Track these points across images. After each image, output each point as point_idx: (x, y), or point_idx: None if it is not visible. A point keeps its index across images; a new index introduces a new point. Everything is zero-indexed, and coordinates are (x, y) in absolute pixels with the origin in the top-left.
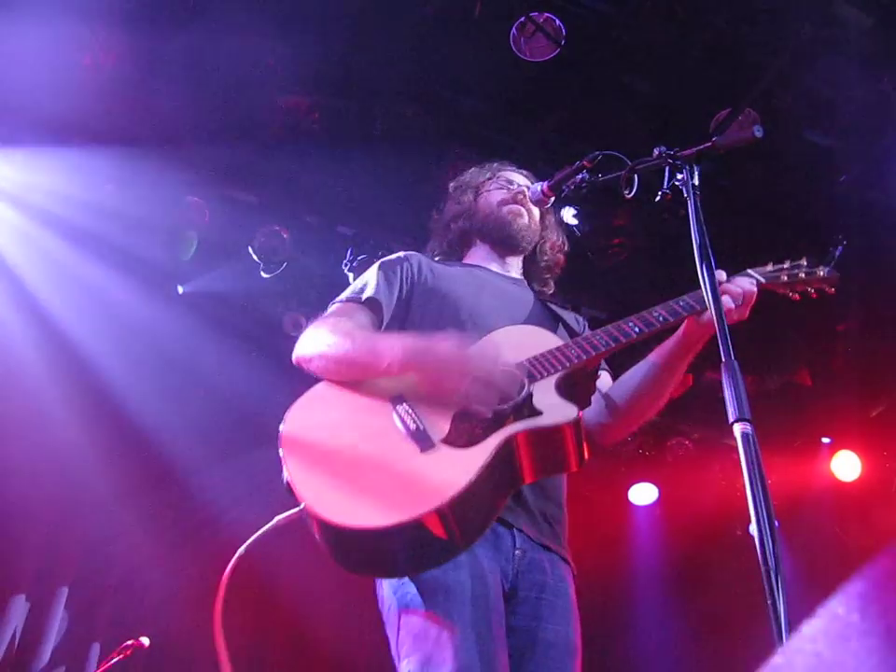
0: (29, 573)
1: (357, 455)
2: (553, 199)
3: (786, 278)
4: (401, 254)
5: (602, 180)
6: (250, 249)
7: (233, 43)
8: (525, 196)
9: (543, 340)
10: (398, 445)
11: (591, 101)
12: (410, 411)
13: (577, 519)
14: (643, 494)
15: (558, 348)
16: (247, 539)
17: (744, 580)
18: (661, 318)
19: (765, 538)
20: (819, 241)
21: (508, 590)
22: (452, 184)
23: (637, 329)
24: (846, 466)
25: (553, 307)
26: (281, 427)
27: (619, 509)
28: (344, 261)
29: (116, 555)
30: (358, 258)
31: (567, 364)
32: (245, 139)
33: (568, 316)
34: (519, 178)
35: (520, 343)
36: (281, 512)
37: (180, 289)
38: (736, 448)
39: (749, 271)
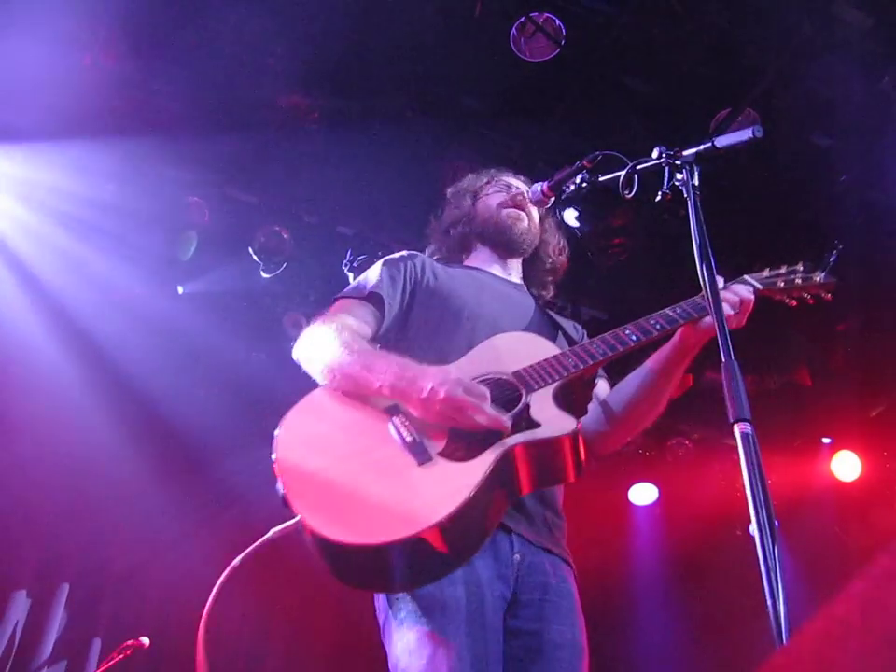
0: (30, 570)
1: (354, 467)
2: (552, 199)
3: (783, 284)
4: (405, 253)
5: (602, 180)
6: (250, 249)
7: (233, 43)
8: (524, 198)
9: (540, 348)
10: (394, 458)
11: (591, 101)
12: (406, 423)
13: (577, 519)
14: (643, 494)
15: (555, 357)
16: (248, 537)
17: (744, 580)
18: (658, 326)
19: (765, 538)
20: (818, 241)
21: (510, 596)
22: (449, 190)
23: (634, 338)
24: (846, 466)
25: (553, 314)
26: (276, 433)
27: (619, 509)
28: (344, 261)
29: (116, 552)
30: (358, 258)
31: (565, 373)
32: (245, 139)
33: (567, 324)
34: (517, 182)
35: (517, 350)
36: (279, 512)
37: (180, 289)
38: (736, 448)
39: (746, 277)
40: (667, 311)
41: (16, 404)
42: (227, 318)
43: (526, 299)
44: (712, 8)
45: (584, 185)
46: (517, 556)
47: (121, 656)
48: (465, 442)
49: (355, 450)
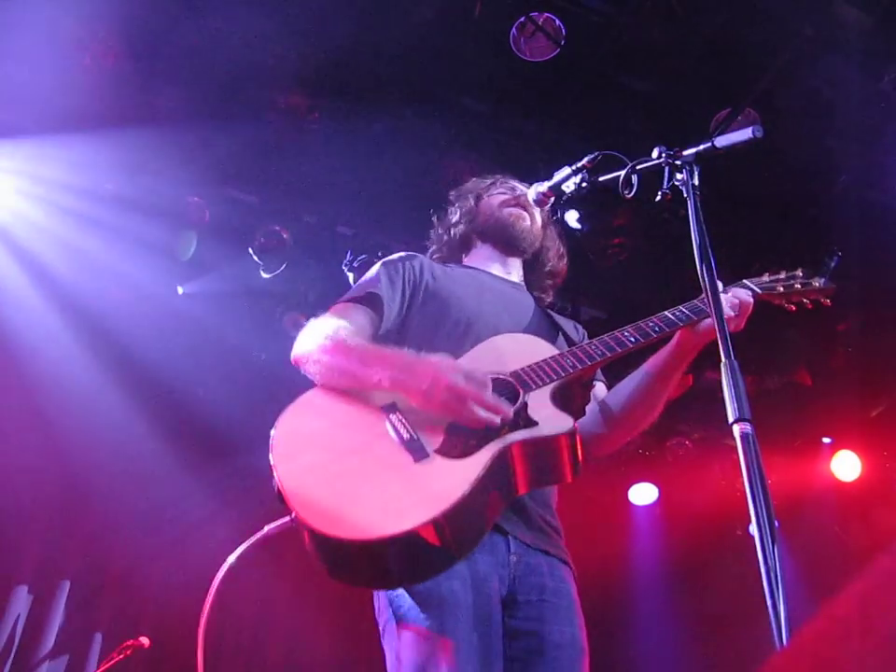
0: (31, 566)
1: (350, 464)
2: (552, 199)
3: (781, 289)
4: (404, 254)
5: (602, 180)
6: (250, 249)
7: (234, 43)
8: (527, 199)
9: (539, 348)
10: (391, 455)
11: (591, 101)
12: (403, 420)
13: (577, 519)
14: (643, 494)
15: (553, 357)
16: (247, 535)
17: (744, 580)
18: (657, 329)
19: (765, 538)
20: (818, 241)
21: (506, 595)
22: (453, 192)
23: (632, 339)
24: (846, 466)
25: (553, 314)
26: (272, 432)
27: (619, 509)
28: (344, 261)
29: (117, 549)
30: (358, 258)
31: (563, 374)
32: (245, 139)
33: (568, 325)
34: (522, 187)
35: (516, 351)
36: (277, 511)
37: (180, 290)
38: (736, 448)
39: (746, 281)
40: (666, 313)
41: (17, 401)
42: (227, 318)
43: (526, 298)
44: (712, 8)
45: (584, 185)
46: (513, 557)
47: (121, 656)
48: (462, 440)
49: (351, 447)
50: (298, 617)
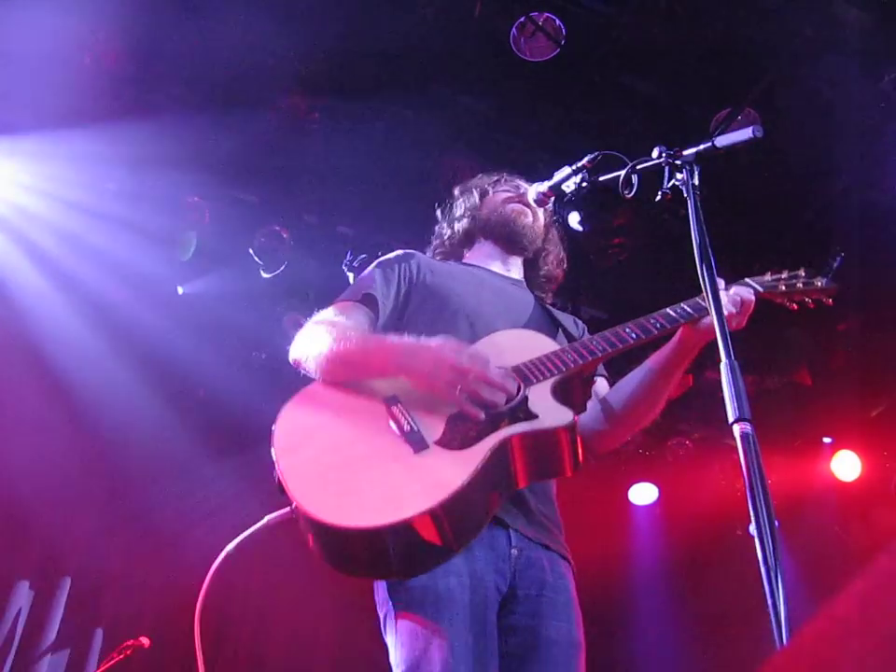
0: (32, 563)
1: (350, 455)
2: (553, 199)
3: (784, 288)
4: (400, 252)
5: (602, 180)
6: (250, 249)
7: (233, 43)
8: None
9: (540, 344)
10: (391, 446)
11: (591, 101)
12: (404, 411)
13: (577, 519)
14: (643, 494)
15: (555, 352)
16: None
17: (744, 580)
18: (658, 325)
19: (765, 538)
20: (818, 241)
21: (506, 590)
22: (458, 187)
23: (633, 335)
24: (846, 466)
25: (553, 310)
26: (274, 426)
27: (619, 509)
28: (344, 261)
29: (117, 545)
30: (358, 258)
31: (564, 368)
32: (245, 139)
33: (567, 320)
34: (526, 185)
35: (517, 346)
36: (277, 510)
37: (180, 290)
38: (736, 448)
39: (747, 280)
40: (668, 310)
41: (19, 399)
42: (227, 318)
43: (526, 296)
44: (712, 8)
45: (584, 185)
46: (514, 551)
47: (121, 656)
48: (462, 431)
49: (351, 439)
50: (299, 608)
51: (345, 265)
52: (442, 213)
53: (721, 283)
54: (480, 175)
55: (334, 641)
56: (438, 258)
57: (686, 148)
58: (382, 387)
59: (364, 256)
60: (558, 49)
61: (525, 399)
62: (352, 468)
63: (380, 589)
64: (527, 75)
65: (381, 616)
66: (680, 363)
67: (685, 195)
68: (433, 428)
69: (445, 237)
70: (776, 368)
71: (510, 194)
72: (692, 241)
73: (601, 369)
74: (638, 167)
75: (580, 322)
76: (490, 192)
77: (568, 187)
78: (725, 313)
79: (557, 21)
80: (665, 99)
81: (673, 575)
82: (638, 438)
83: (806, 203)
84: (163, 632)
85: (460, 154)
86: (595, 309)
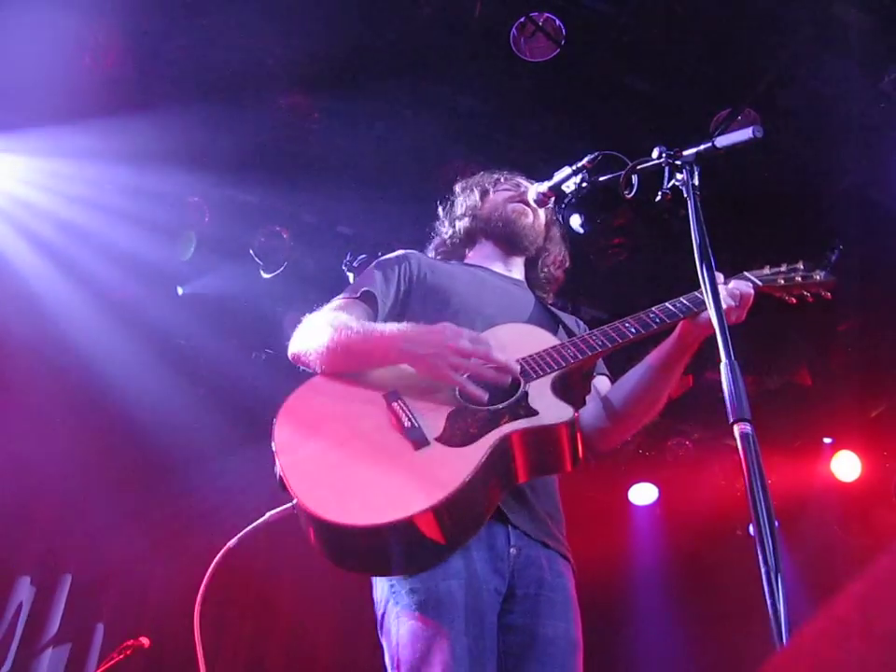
0: (33, 560)
1: (351, 451)
2: (553, 199)
3: (782, 282)
4: (400, 252)
5: (602, 180)
6: (250, 249)
7: (234, 43)
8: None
9: (540, 339)
10: (392, 442)
11: (591, 101)
12: (405, 407)
13: (577, 519)
14: (643, 494)
15: (554, 347)
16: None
17: (744, 580)
18: (657, 320)
19: (765, 538)
20: (818, 241)
21: (505, 590)
22: (459, 185)
23: (633, 330)
24: (846, 466)
25: (554, 310)
26: (275, 421)
27: (619, 509)
28: (344, 261)
29: (119, 542)
30: (358, 258)
31: (563, 364)
32: (245, 139)
33: (569, 320)
34: (527, 183)
35: (517, 341)
36: (278, 507)
37: (180, 290)
38: (736, 448)
39: (746, 273)
40: (667, 304)
41: (20, 396)
42: (226, 318)
43: (527, 294)
44: (712, 8)
45: (584, 185)
46: (513, 550)
47: (121, 656)
48: (463, 428)
49: (352, 434)
50: (300, 605)
51: (345, 265)
52: (443, 210)
53: (719, 277)
54: (481, 173)
55: (335, 639)
56: (439, 257)
57: (686, 148)
58: (383, 381)
59: (364, 256)
60: (558, 49)
61: (526, 394)
62: (353, 464)
63: (378, 587)
64: (527, 75)
65: (378, 615)
66: (681, 358)
67: (685, 195)
68: (434, 424)
69: (446, 236)
70: (776, 368)
71: (510, 193)
72: (692, 241)
73: (603, 367)
74: (638, 167)
75: (581, 323)
76: (491, 191)
77: (568, 187)
78: (724, 306)
79: (557, 21)
80: (665, 99)
81: (673, 575)
82: (638, 438)
83: (807, 203)
84: (164, 630)
85: (460, 154)
86: (595, 309)
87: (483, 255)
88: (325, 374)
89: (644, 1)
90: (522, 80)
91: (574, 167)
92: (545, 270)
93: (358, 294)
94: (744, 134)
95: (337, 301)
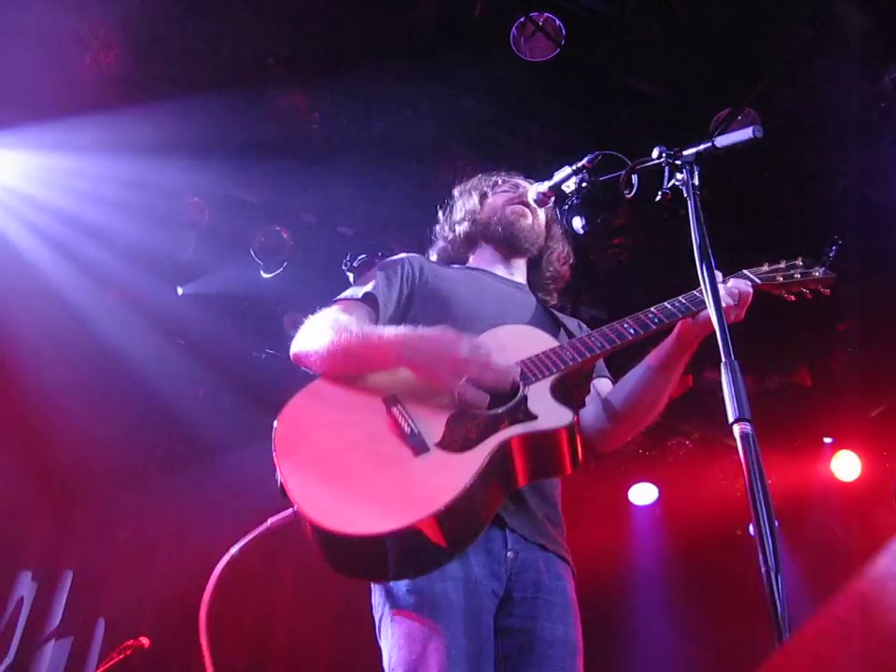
0: (35, 554)
1: (351, 457)
2: (553, 199)
3: (781, 279)
4: (402, 255)
5: (602, 180)
6: (250, 249)
7: (233, 42)
8: (529, 198)
9: (539, 340)
10: (392, 448)
11: (591, 101)
12: (404, 412)
13: (577, 519)
14: (643, 494)
15: (553, 350)
16: (249, 527)
17: (744, 580)
18: (656, 320)
19: (765, 538)
20: (818, 240)
21: (503, 594)
22: (457, 188)
23: (632, 331)
24: (846, 466)
25: (556, 314)
26: (275, 426)
27: (619, 509)
28: (344, 261)
29: (120, 539)
30: (358, 258)
31: (562, 366)
32: (245, 139)
33: (570, 322)
34: (526, 184)
35: (515, 343)
36: (277, 504)
37: (180, 290)
38: (736, 448)
39: (745, 271)
40: (666, 304)
41: (20, 393)
42: (226, 318)
43: (528, 298)
44: (712, 8)
45: (584, 185)
46: (510, 553)
47: (121, 656)
48: (462, 433)
49: (352, 440)
50: (301, 610)
51: (345, 265)
52: (443, 215)
53: (718, 276)
54: (479, 175)
55: (335, 641)
56: (440, 261)
57: (686, 148)
58: (382, 385)
59: (364, 256)
60: (558, 49)
61: (525, 398)
62: (353, 471)
63: (376, 593)
64: (527, 75)
65: (376, 619)
66: (680, 358)
67: (685, 195)
68: (434, 430)
69: (447, 241)
70: (776, 368)
71: (509, 195)
72: (692, 241)
73: (604, 369)
74: (638, 167)
75: (584, 326)
76: (489, 194)
77: (568, 187)
78: (723, 305)
79: (557, 21)
80: (665, 99)
81: (673, 575)
82: (638, 438)
83: (806, 203)
84: (165, 626)
85: (460, 154)
86: (595, 309)
87: (483, 258)
88: (325, 377)
89: (644, 1)
90: (522, 80)
91: (574, 167)
92: (550, 268)
93: (360, 296)
94: (744, 134)
95: (339, 302)
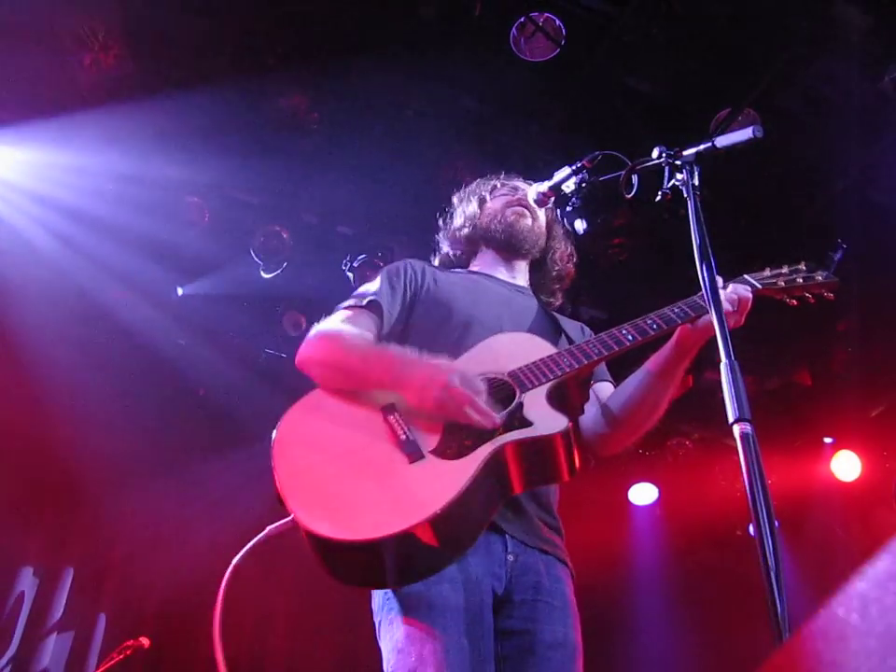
0: (36, 550)
1: (347, 465)
2: (553, 199)
3: (783, 284)
4: (405, 261)
5: (602, 180)
6: (250, 249)
7: (233, 42)
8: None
9: (537, 347)
10: (387, 456)
11: (591, 101)
12: (401, 421)
13: (577, 519)
14: (643, 494)
15: (550, 357)
16: (248, 525)
17: (744, 580)
18: (655, 326)
19: (765, 538)
20: (819, 240)
21: (502, 594)
22: (456, 195)
23: (630, 337)
24: (846, 466)
25: (558, 317)
26: (273, 435)
27: (619, 509)
28: (344, 261)
29: (120, 536)
30: (358, 258)
31: (559, 373)
32: (244, 139)
33: (573, 328)
34: (525, 186)
35: (513, 351)
36: (276, 503)
37: (179, 291)
38: (736, 448)
39: (746, 276)
40: (665, 310)
41: (23, 389)
42: (227, 318)
43: (530, 302)
44: (712, 8)
45: (584, 185)
46: (510, 556)
47: (121, 656)
48: (458, 441)
49: (349, 448)
50: (301, 612)
51: (345, 265)
52: (443, 223)
53: (718, 281)
54: (477, 180)
55: (335, 644)
56: (445, 265)
57: (686, 148)
58: (381, 395)
59: (364, 256)
60: (558, 49)
61: (521, 405)
62: (348, 479)
63: (375, 597)
64: (527, 75)
65: (376, 623)
66: (679, 364)
67: (685, 195)
68: (429, 437)
69: (449, 248)
70: (776, 368)
71: (508, 198)
72: (691, 241)
73: (606, 373)
74: (638, 167)
75: (587, 329)
76: (488, 199)
77: (568, 187)
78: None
79: (557, 21)
80: (665, 99)
81: (673, 575)
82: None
83: (806, 203)
84: (164, 628)
85: (460, 154)
86: (594, 309)
87: (485, 262)
88: (325, 388)
89: (644, 1)
90: (522, 80)
91: (574, 167)
92: (556, 267)
93: (365, 304)
94: (744, 134)
95: (344, 310)
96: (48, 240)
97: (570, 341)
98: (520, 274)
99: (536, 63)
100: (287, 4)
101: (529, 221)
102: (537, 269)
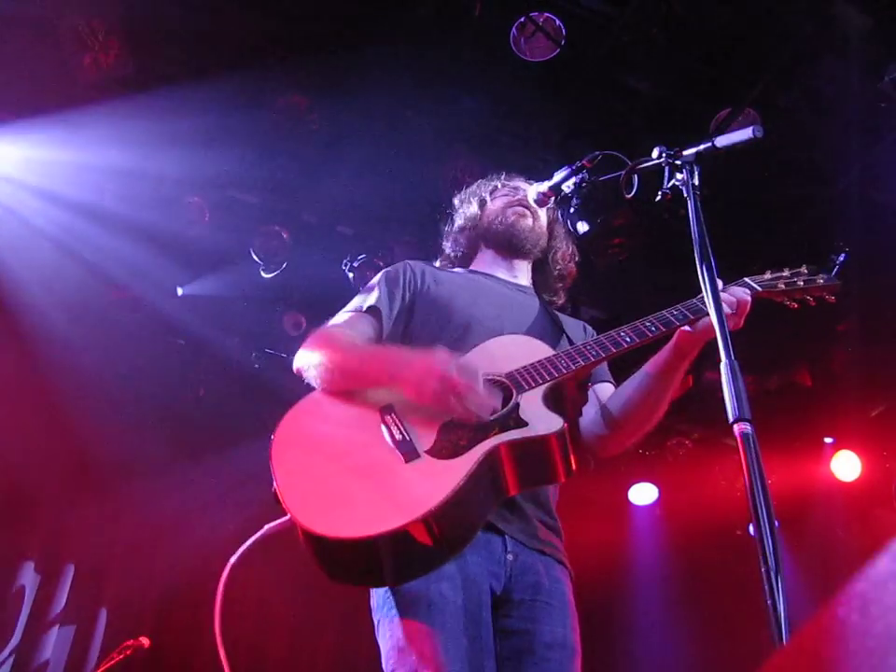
0: (37, 546)
1: (344, 465)
2: (553, 199)
3: (783, 286)
4: (405, 262)
5: (602, 180)
6: (250, 249)
7: (233, 42)
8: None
9: (536, 349)
10: (383, 456)
11: (591, 101)
12: (397, 421)
13: (577, 519)
14: (643, 494)
15: (548, 358)
16: (247, 524)
17: (744, 580)
18: (653, 328)
19: (765, 538)
20: (818, 241)
21: (500, 593)
22: (457, 197)
23: (628, 339)
24: (846, 466)
25: (560, 316)
26: (272, 436)
27: (619, 509)
28: (344, 261)
29: (121, 533)
30: (358, 258)
31: (556, 374)
32: (245, 139)
33: (575, 326)
34: (526, 186)
35: (512, 352)
36: (275, 503)
37: (179, 291)
38: (736, 448)
39: (746, 279)
40: (664, 313)
41: (27, 386)
42: (226, 318)
43: (531, 301)
44: (712, 8)
45: (584, 185)
46: (510, 556)
47: (121, 656)
48: (453, 441)
49: (346, 448)
50: (302, 611)
51: (345, 265)
52: (445, 224)
53: (718, 283)
54: (478, 181)
55: (335, 645)
56: (446, 266)
57: (686, 148)
58: (379, 395)
59: (364, 256)
60: (558, 49)
61: (517, 406)
62: (345, 478)
63: (375, 595)
64: (527, 75)
65: (375, 621)
66: (678, 365)
67: (685, 195)
68: (425, 437)
69: (450, 248)
70: (776, 368)
71: (508, 198)
72: (692, 241)
73: (607, 374)
74: (638, 167)
75: (589, 328)
76: (489, 200)
77: (568, 186)
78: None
79: (557, 21)
80: (665, 99)
81: (673, 575)
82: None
83: (806, 203)
84: (164, 627)
85: (460, 154)
86: (594, 309)
87: (486, 262)
88: (323, 390)
89: (644, 1)
90: (522, 80)
91: (574, 167)
92: (558, 266)
93: (364, 308)
94: (744, 134)
95: (344, 315)
96: (48, 238)
97: (571, 340)
98: (521, 274)
99: (536, 62)
100: (288, 3)
101: (530, 221)
102: (539, 269)
